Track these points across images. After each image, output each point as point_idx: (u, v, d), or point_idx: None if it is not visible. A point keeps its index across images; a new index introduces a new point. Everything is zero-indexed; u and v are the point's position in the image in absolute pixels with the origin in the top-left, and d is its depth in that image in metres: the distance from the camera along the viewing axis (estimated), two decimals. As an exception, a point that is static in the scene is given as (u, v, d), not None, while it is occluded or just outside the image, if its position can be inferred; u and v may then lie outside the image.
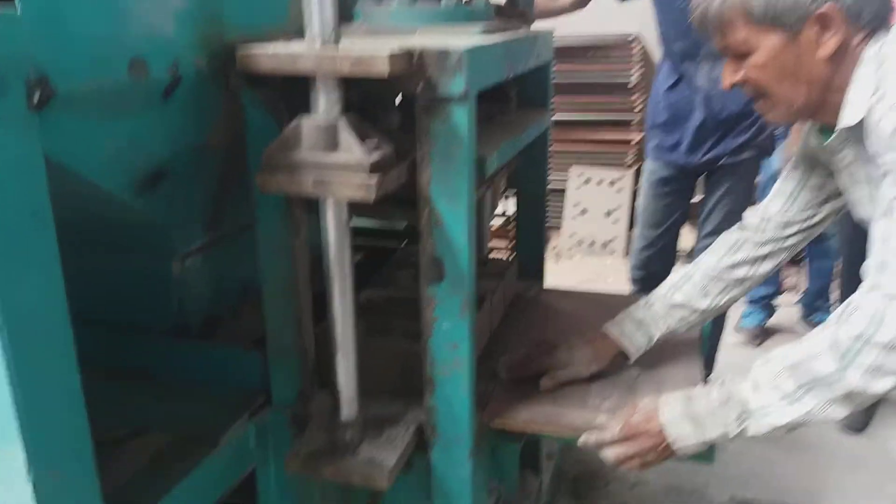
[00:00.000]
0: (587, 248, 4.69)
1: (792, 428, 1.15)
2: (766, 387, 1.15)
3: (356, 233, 1.26)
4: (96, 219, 1.23)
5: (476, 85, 1.14)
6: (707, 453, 1.26)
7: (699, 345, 1.61)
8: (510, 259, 1.89)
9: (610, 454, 1.27)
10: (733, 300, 1.53)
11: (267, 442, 1.39)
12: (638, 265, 2.70)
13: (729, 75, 1.25)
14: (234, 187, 1.36)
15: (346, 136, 1.06)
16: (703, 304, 1.49)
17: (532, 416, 1.35)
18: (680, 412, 1.22)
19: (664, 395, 1.26)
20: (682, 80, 2.47)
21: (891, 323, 1.02)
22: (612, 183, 4.68)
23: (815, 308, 3.40)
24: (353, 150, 1.06)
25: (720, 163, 2.46)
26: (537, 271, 1.98)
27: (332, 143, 1.07)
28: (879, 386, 1.05)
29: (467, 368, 1.25)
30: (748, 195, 2.55)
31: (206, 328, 1.51)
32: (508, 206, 2.11)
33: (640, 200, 2.69)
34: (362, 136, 1.07)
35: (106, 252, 1.48)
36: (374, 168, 1.05)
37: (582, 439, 1.30)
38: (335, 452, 1.26)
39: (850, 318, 1.08)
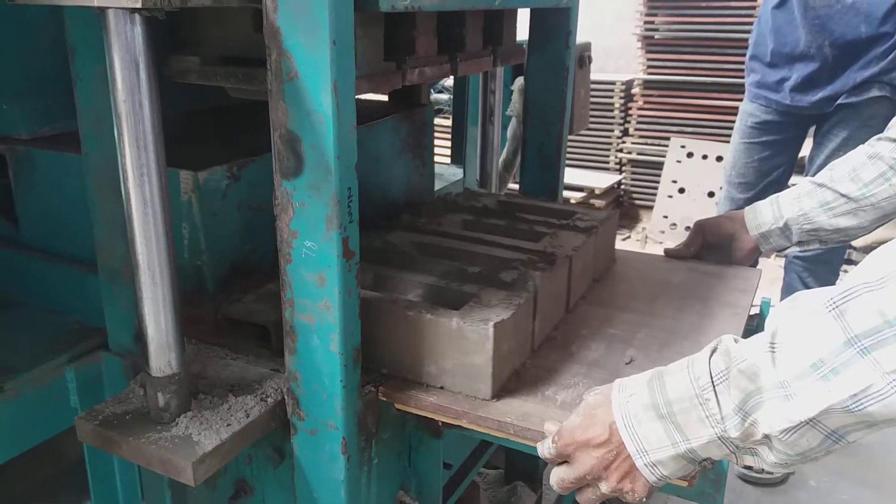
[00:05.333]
0: (682, 233, 4.03)
1: (835, 435, 0.62)
2: (794, 343, 0.63)
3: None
4: None
5: None
6: (709, 486, 0.75)
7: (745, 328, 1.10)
8: (608, 208, 1.40)
9: (553, 480, 0.79)
10: (892, 196, 1.15)
11: (102, 398, 1.00)
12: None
13: None
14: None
15: None
16: (850, 188, 1.19)
17: (447, 401, 0.87)
18: (644, 401, 0.71)
19: (625, 378, 0.76)
20: None
21: None
22: (718, 159, 3.96)
23: None
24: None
25: (837, 102, 1.85)
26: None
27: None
28: None
29: (338, 312, 0.81)
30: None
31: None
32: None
33: (730, 153, 2.12)
34: None
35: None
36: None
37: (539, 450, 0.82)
38: (143, 422, 0.85)
39: None
